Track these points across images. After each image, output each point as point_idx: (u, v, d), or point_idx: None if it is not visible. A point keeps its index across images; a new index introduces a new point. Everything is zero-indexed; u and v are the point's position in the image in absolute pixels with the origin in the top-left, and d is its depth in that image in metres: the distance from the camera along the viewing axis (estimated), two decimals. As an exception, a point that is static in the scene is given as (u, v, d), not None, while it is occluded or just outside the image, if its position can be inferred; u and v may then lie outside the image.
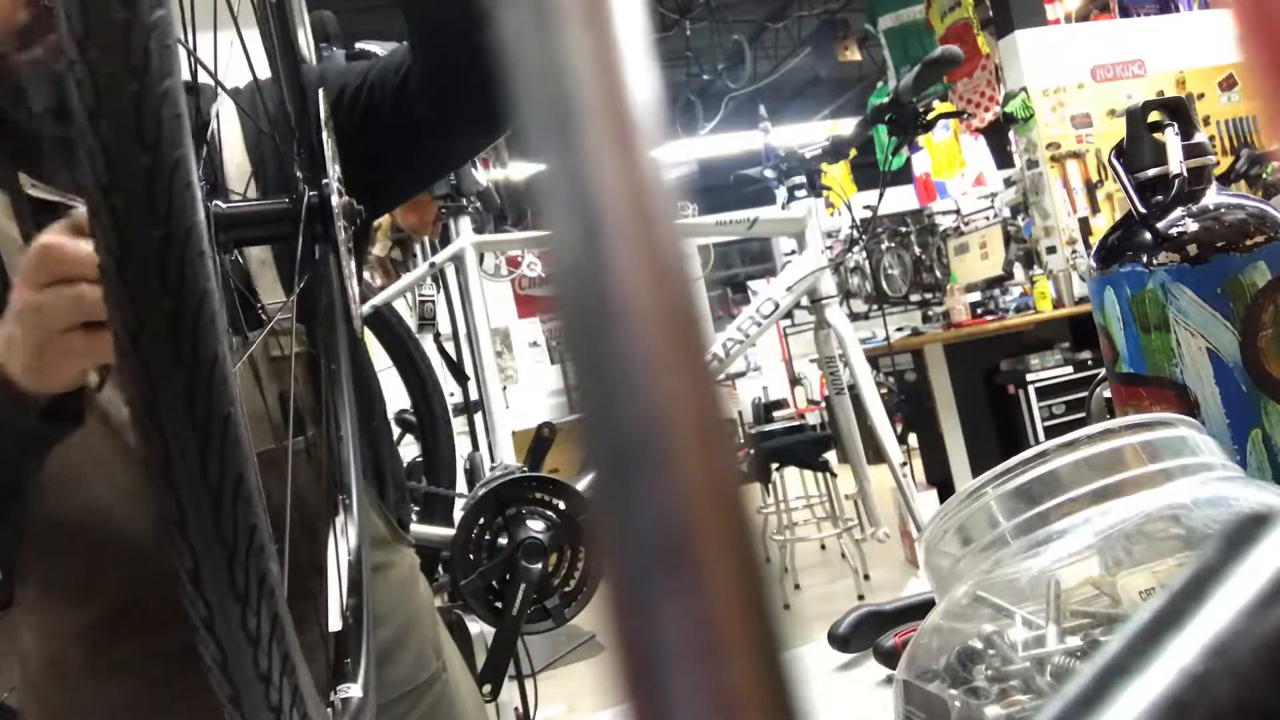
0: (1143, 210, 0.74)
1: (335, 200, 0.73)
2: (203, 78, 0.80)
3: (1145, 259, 0.73)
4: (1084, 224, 5.28)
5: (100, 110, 0.43)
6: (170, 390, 0.45)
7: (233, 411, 0.46)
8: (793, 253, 2.49)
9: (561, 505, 1.66)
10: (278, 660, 0.50)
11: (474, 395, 2.57)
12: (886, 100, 2.06)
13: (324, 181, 0.73)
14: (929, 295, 8.01)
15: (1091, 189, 5.33)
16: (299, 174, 0.76)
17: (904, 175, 8.12)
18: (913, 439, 5.40)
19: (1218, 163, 1.46)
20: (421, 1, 0.86)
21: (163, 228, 0.44)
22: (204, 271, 0.45)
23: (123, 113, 0.43)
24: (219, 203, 0.67)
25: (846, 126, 2.30)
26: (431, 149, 0.96)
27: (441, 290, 2.78)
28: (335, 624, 0.71)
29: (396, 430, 2.62)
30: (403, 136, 0.92)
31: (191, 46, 0.73)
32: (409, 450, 2.66)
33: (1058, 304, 4.96)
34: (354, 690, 0.67)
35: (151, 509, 0.46)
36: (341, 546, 0.77)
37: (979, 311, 5.65)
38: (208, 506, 0.46)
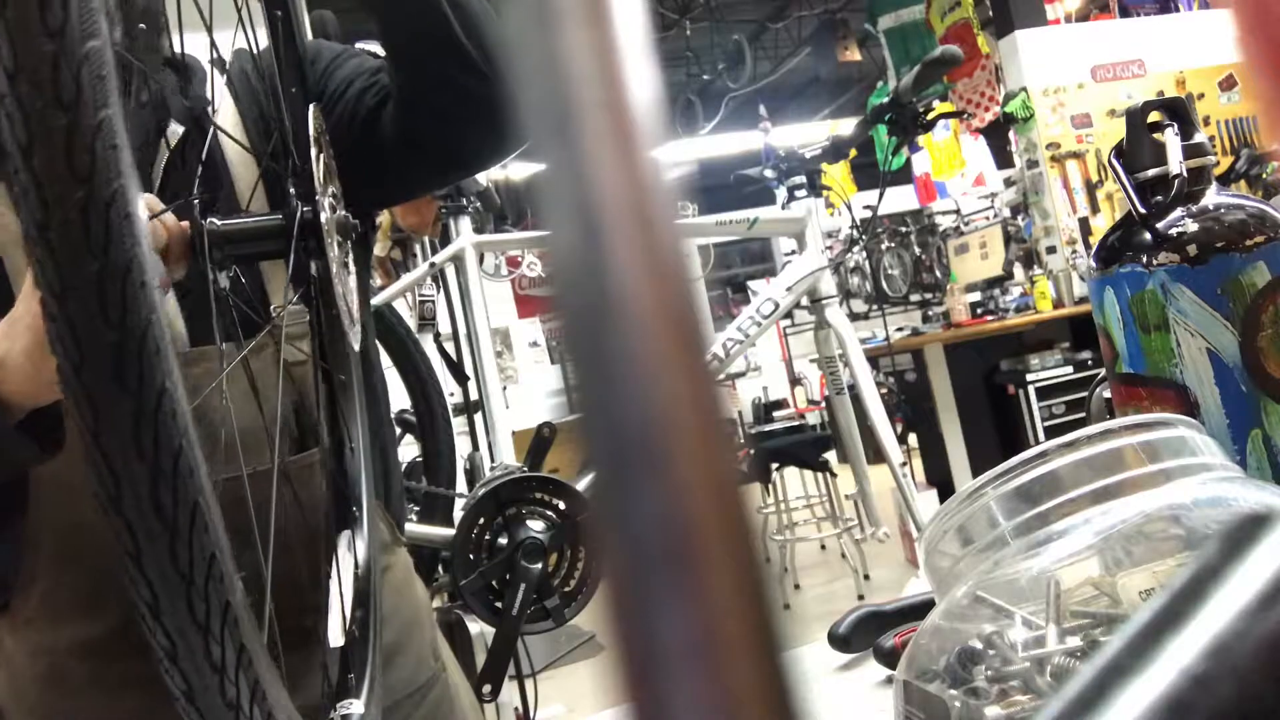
0: (1143, 210, 0.74)
1: (328, 215, 0.72)
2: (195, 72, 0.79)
3: (1145, 259, 0.73)
4: (1084, 224, 5.28)
5: (31, 145, 0.42)
6: (116, 422, 0.44)
7: (184, 443, 0.45)
8: (793, 253, 2.49)
9: (561, 505, 1.66)
10: (246, 689, 0.49)
11: (474, 395, 2.57)
12: (886, 100, 2.07)
13: (317, 197, 0.73)
14: (929, 295, 8.02)
15: (1091, 189, 5.33)
16: (292, 190, 0.76)
17: (904, 175, 8.12)
18: (913, 439, 5.41)
19: (1218, 163, 1.46)
20: (410, 45, 0.86)
21: (99, 261, 0.43)
22: (147, 303, 0.44)
23: (54, 147, 0.42)
24: (214, 220, 0.67)
25: (846, 126, 2.30)
26: (393, 175, 0.95)
27: (441, 290, 2.78)
28: (338, 639, 0.70)
29: (396, 430, 2.62)
30: (366, 157, 0.91)
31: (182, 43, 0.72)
32: (409, 450, 2.66)
33: (1058, 304, 4.96)
34: (355, 707, 0.65)
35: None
36: (346, 560, 0.76)
37: (979, 311, 5.65)
38: (162, 538, 0.45)
